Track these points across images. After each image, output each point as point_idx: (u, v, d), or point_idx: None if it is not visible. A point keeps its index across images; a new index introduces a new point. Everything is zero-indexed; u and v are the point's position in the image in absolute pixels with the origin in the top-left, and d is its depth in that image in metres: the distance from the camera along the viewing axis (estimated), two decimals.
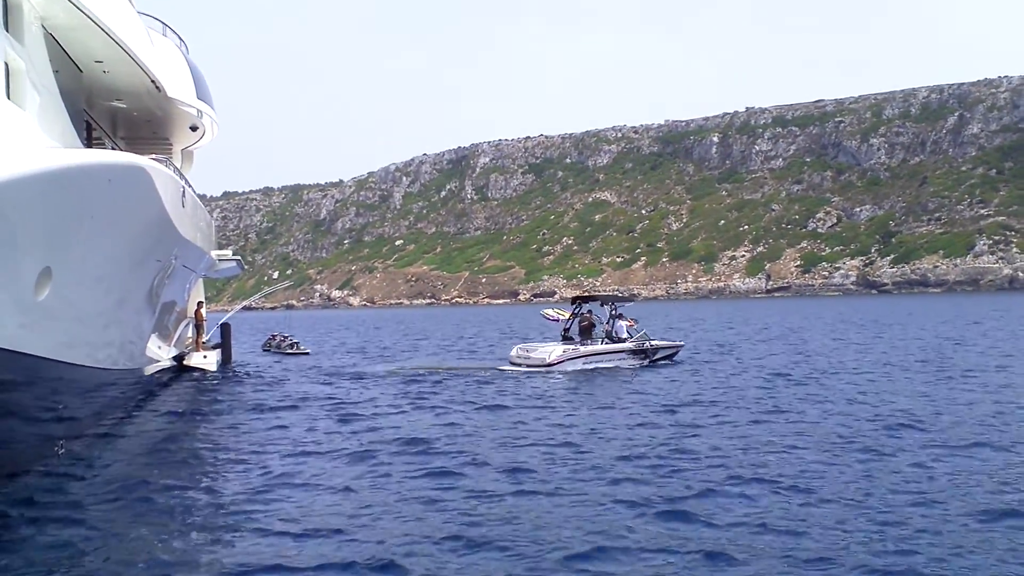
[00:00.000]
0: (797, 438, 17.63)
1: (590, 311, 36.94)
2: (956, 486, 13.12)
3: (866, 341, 47.82)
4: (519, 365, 33.78)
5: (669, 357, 37.18)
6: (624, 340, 35.90)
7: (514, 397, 25.96)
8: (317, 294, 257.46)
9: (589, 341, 35.40)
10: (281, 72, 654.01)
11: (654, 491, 13.22)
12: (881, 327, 62.01)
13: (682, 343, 39.99)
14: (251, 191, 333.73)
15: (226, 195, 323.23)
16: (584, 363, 33.67)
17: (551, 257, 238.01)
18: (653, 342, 37.00)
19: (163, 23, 29.08)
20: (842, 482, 13.57)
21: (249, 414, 23.40)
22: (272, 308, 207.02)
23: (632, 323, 37.18)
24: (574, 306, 37.32)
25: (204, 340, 36.46)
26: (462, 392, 27.63)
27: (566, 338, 35.70)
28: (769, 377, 30.00)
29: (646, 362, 35.58)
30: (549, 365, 32.92)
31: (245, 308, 64.00)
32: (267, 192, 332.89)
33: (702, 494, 12.96)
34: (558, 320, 37.67)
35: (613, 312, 37.00)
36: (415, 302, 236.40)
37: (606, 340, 35.78)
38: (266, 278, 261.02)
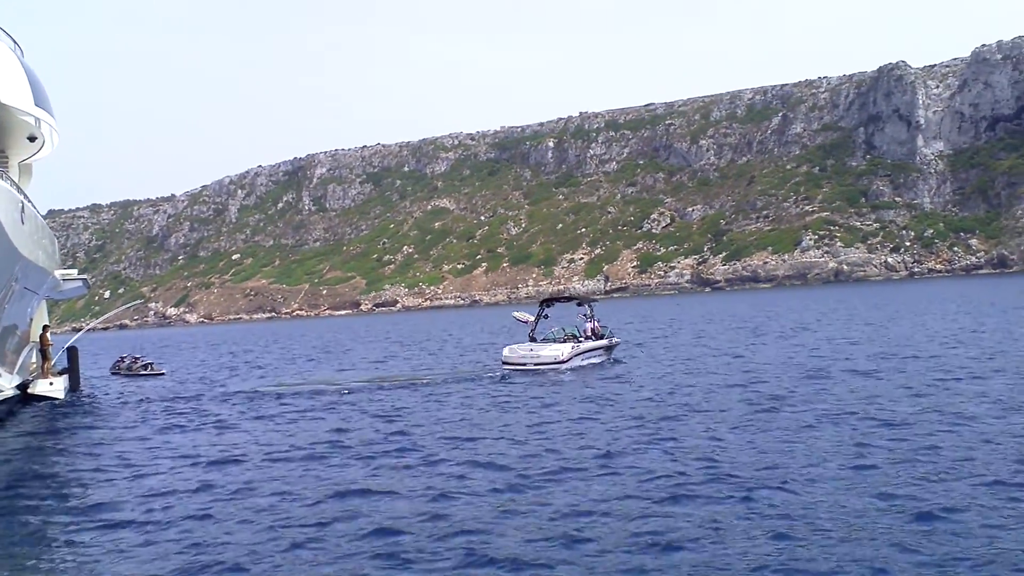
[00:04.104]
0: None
1: (575, 328, 38.36)
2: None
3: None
4: (523, 364, 34.39)
5: None
6: (601, 337, 37.72)
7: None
8: (152, 312, 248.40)
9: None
10: (106, 82, 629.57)
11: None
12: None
13: (619, 340, 41.75)
14: (78, 208, 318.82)
15: (51, 213, 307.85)
16: (582, 359, 35.29)
17: (392, 266, 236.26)
18: (614, 339, 39.21)
19: None
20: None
21: (101, 445, 21.80)
22: (105, 329, 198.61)
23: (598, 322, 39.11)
24: (540, 308, 39.39)
25: (50, 366, 33.93)
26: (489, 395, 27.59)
27: (532, 339, 37.08)
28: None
29: (611, 356, 38.02)
30: (562, 362, 34.08)
31: (75, 329, 60.37)
32: (95, 209, 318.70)
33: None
34: (527, 322, 39.29)
35: (590, 312, 38.63)
36: (255, 317, 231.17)
37: (591, 337, 37.18)
38: (96, 297, 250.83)
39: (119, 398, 33.98)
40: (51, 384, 32.64)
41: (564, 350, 34.43)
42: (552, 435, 19.33)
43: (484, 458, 16.88)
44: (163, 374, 46.58)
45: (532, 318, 38.66)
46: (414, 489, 14.42)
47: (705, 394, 24.59)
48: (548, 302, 40.26)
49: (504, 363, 35.12)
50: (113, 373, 49.70)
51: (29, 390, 31.95)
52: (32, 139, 28.99)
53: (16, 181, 27.08)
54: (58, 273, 33.03)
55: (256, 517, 13.04)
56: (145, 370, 47.24)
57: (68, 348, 38.94)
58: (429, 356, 48.96)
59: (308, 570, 10.48)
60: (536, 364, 33.93)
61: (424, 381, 33.02)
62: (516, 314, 41.41)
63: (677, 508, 12.41)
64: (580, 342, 35.96)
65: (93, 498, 15.06)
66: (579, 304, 40.34)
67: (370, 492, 14.33)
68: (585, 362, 35.27)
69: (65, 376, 35.71)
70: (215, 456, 18.81)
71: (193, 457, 18.86)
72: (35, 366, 34.53)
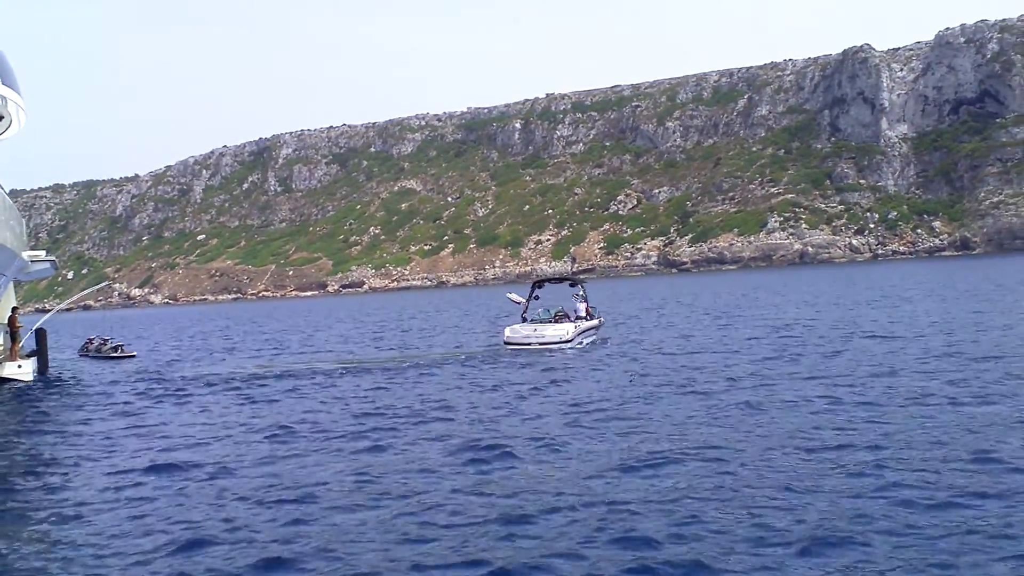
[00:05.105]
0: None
1: (561, 308, 38.71)
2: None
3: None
4: (527, 344, 34.58)
5: None
6: (593, 317, 38.32)
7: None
8: (116, 293, 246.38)
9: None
10: (66, 60, 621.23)
11: None
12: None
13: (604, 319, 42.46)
14: (40, 188, 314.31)
15: (13, 193, 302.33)
16: (581, 339, 35.70)
17: (359, 247, 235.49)
18: (601, 319, 40.17)
19: None
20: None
21: (72, 428, 21.53)
22: (68, 310, 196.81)
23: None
24: (532, 289, 40.08)
25: (18, 348, 33.47)
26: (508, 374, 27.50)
27: (523, 320, 37.47)
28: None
29: (598, 335, 38.51)
30: (567, 342, 34.45)
31: (39, 311, 59.56)
32: (58, 189, 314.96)
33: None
34: (520, 303, 39.63)
35: (583, 293, 39.26)
36: (220, 298, 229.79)
37: (585, 317, 37.59)
38: (60, 278, 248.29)
39: (89, 381, 33.66)
40: (19, 367, 32.17)
41: (568, 330, 34.88)
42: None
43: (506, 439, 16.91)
44: (134, 356, 45.86)
45: (525, 300, 39.09)
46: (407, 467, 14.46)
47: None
48: (540, 283, 41.27)
49: (506, 343, 35.32)
50: (82, 355, 49.00)
51: None
52: None
53: None
54: (26, 254, 32.61)
55: (230, 497, 13.00)
56: (115, 352, 46.29)
57: (36, 330, 38.18)
58: (425, 336, 48.96)
59: (285, 547, 10.48)
60: (541, 344, 34.23)
61: (423, 361, 33.23)
62: (511, 295, 41.95)
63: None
64: (575, 323, 36.36)
65: (63, 481, 14.94)
66: (572, 285, 41.52)
67: (354, 471, 14.34)
68: (585, 342, 35.75)
69: (34, 359, 35.14)
70: (189, 437, 18.71)
71: (167, 439, 18.72)
72: (3, 348, 33.98)
